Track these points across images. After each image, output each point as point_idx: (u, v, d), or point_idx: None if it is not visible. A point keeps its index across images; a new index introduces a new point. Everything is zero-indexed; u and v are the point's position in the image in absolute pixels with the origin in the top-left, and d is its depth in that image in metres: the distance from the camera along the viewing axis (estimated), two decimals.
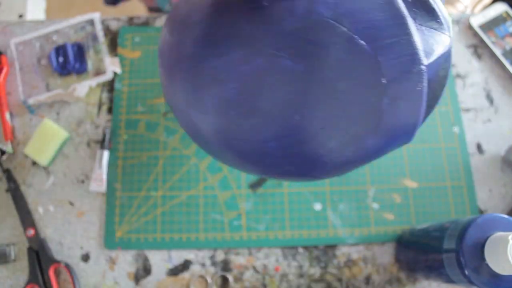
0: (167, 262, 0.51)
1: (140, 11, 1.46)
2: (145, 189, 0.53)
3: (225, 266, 0.51)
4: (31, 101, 0.56)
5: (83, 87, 0.56)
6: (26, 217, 0.52)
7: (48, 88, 0.57)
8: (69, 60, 0.57)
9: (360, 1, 0.29)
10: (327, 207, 0.53)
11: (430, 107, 0.34)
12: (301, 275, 0.50)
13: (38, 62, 0.59)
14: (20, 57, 0.59)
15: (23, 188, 0.54)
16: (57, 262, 0.50)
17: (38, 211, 0.53)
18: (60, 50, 0.58)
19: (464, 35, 0.61)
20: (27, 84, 0.58)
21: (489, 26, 0.60)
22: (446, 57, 0.33)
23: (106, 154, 0.54)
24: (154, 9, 0.90)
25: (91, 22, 0.60)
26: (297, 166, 0.34)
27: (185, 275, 0.51)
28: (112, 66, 0.57)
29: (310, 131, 0.31)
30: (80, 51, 0.58)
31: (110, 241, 0.51)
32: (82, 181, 0.54)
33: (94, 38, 0.59)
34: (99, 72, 0.58)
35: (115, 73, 0.58)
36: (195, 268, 0.51)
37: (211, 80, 0.32)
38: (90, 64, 0.58)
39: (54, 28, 0.60)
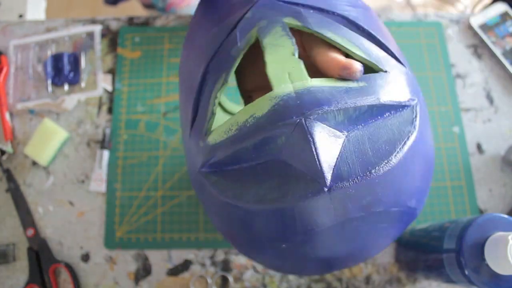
0: (167, 262, 0.51)
1: (140, 11, 1.46)
2: (145, 189, 0.53)
3: (225, 266, 0.51)
4: (19, 106, 0.56)
5: (72, 100, 0.56)
6: (26, 217, 0.52)
7: (38, 95, 0.57)
8: (63, 70, 0.57)
9: None
10: None
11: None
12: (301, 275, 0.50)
13: (33, 68, 0.58)
14: (17, 61, 0.59)
15: (23, 188, 0.54)
16: (57, 262, 0.50)
17: (38, 211, 0.53)
18: (57, 58, 0.58)
19: (464, 35, 0.61)
20: (19, 89, 0.58)
21: (489, 26, 0.60)
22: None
23: (106, 154, 0.54)
24: (149, 6, 0.91)
25: (92, 34, 0.60)
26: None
27: (185, 275, 0.51)
28: (104, 82, 0.57)
29: None
30: (75, 62, 0.58)
31: (110, 241, 0.51)
32: (82, 181, 0.54)
33: (92, 50, 0.59)
34: (90, 86, 0.58)
35: (113, 75, 0.58)
36: (195, 268, 0.51)
37: None
38: (83, 76, 0.58)
39: (54, 35, 0.59)
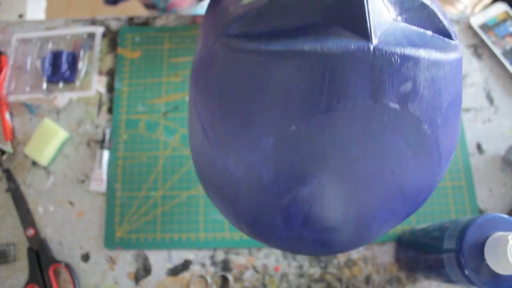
0: (167, 262, 0.51)
1: (140, 11, 1.46)
2: (145, 189, 0.53)
3: (225, 266, 0.51)
4: (11, 98, 0.56)
5: (64, 98, 0.56)
6: (26, 217, 0.52)
7: (32, 90, 0.57)
8: (61, 67, 0.57)
9: None
10: None
11: None
12: (301, 275, 0.50)
13: (32, 62, 0.59)
14: (17, 53, 0.59)
15: (23, 188, 0.54)
16: (57, 262, 0.50)
17: (38, 211, 0.53)
18: (56, 56, 0.58)
19: (464, 35, 0.61)
20: (14, 80, 0.58)
21: (489, 26, 0.60)
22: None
23: (106, 154, 0.54)
24: (150, 6, 0.90)
25: (93, 35, 0.60)
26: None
27: (185, 275, 0.51)
28: (97, 84, 0.57)
29: None
30: (73, 61, 0.58)
31: (110, 241, 0.51)
32: (82, 181, 0.54)
33: (92, 51, 0.59)
34: (85, 86, 0.58)
35: (113, 75, 0.58)
36: (195, 268, 0.51)
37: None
38: (79, 76, 0.58)
39: (58, 32, 0.60)
